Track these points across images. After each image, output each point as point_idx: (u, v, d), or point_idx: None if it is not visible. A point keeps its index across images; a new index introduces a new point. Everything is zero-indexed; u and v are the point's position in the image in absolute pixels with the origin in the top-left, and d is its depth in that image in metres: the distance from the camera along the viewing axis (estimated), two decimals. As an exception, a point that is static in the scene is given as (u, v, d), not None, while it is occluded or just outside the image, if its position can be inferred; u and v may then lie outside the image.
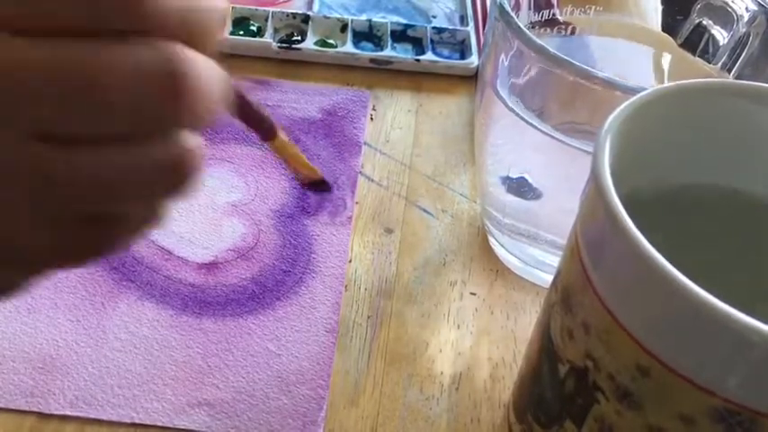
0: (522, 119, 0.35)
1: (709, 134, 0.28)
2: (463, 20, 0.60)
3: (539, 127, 0.35)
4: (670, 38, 0.40)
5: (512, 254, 0.42)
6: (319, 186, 0.39)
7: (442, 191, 0.47)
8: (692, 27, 0.39)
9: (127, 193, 0.18)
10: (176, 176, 0.18)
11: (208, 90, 0.18)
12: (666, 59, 0.40)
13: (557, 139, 0.34)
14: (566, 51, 0.32)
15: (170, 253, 0.41)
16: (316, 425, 0.34)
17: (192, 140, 0.18)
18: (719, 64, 0.38)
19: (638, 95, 0.26)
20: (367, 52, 0.55)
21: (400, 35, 0.57)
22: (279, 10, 0.57)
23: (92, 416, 0.34)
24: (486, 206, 0.42)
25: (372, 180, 0.47)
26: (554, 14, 0.40)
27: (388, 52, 0.55)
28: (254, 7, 0.57)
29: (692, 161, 0.28)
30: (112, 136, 0.17)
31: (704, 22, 0.39)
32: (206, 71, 0.18)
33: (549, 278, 0.29)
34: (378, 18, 0.58)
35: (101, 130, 0.17)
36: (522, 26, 0.33)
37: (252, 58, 0.54)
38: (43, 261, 0.19)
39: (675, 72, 0.40)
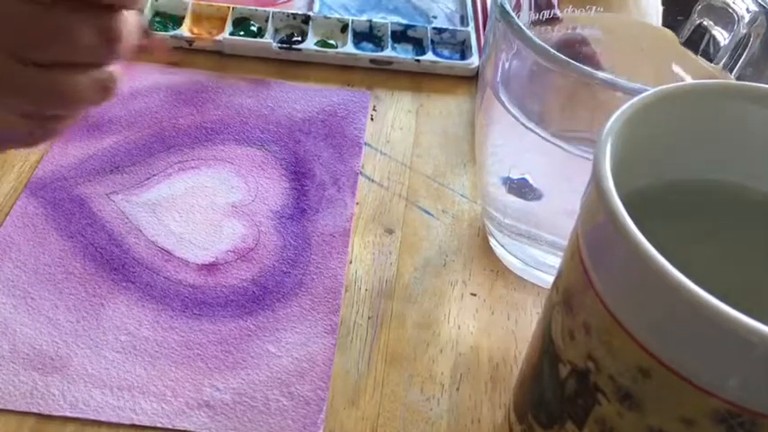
0: (521, 122, 0.35)
1: (711, 135, 0.27)
2: (463, 20, 0.60)
3: (538, 132, 0.34)
4: (672, 36, 0.40)
5: (512, 254, 0.42)
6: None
7: (443, 191, 0.47)
8: (692, 27, 0.39)
9: (74, 100, 0.28)
10: (104, 91, 0.29)
11: (128, 39, 0.28)
12: (668, 59, 0.40)
13: (555, 145, 0.34)
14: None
15: (170, 254, 0.41)
16: (316, 426, 0.34)
17: (113, 69, 0.29)
18: (720, 64, 0.38)
19: (639, 96, 0.25)
20: (367, 52, 0.55)
21: (401, 35, 0.57)
22: (279, 10, 0.57)
23: (92, 417, 0.34)
24: (487, 207, 0.42)
25: (373, 180, 0.47)
26: (554, 14, 0.40)
27: (388, 53, 0.55)
28: (254, 8, 0.57)
29: (694, 162, 0.28)
30: (68, 64, 0.27)
31: (705, 23, 0.39)
32: (128, 27, 0.27)
33: (550, 279, 0.29)
34: (378, 18, 0.58)
35: (61, 59, 0.27)
36: (523, 26, 0.33)
37: (252, 58, 0.54)
38: (18, 140, 0.30)
39: (677, 72, 0.40)
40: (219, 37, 0.54)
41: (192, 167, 0.46)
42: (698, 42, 0.39)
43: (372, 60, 0.54)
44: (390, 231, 0.44)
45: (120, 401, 0.35)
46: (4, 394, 0.34)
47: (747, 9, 0.37)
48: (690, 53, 0.39)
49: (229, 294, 0.39)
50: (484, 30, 0.57)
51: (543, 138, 0.34)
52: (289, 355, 0.37)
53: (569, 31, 0.41)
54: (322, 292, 0.40)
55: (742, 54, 0.37)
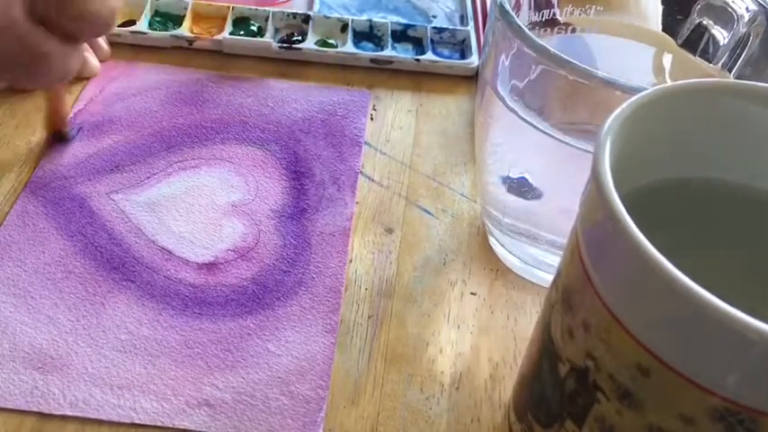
0: (523, 119, 0.35)
1: (710, 134, 0.28)
2: (463, 20, 0.60)
3: (539, 127, 0.35)
4: (670, 38, 0.40)
5: (512, 253, 0.42)
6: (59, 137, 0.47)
7: (443, 190, 0.47)
8: (692, 27, 0.39)
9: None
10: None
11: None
12: (667, 59, 0.40)
13: (557, 139, 0.34)
14: (566, 51, 0.31)
15: (170, 253, 0.41)
16: (315, 425, 0.34)
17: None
18: (720, 64, 0.38)
19: (639, 95, 0.26)
20: (367, 52, 0.55)
21: (400, 35, 0.57)
22: (279, 10, 0.57)
23: (92, 416, 0.34)
24: (487, 206, 0.42)
25: (373, 180, 0.47)
26: (554, 14, 0.40)
27: (388, 52, 0.55)
28: (254, 7, 0.57)
29: (693, 161, 0.28)
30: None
31: (704, 22, 0.39)
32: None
33: (550, 278, 0.29)
34: (378, 18, 0.58)
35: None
36: (522, 26, 0.33)
37: (252, 57, 0.54)
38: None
39: (676, 72, 0.40)
40: (219, 36, 0.54)
41: (192, 167, 0.46)
42: (697, 42, 0.39)
43: (372, 60, 0.55)
44: (390, 231, 0.44)
45: (120, 400, 0.35)
46: (4, 393, 0.34)
47: (747, 8, 0.37)
48: (688, 55, 0.39)
49: (229, 293, 0.40)
50: (484, 29, 0.57)
51: (543, 132, 0.34)
52: (288, 354, 0.37)
53: (568, 35, 0.41)
54: (322, 291, 0.40)
55: (741, 53, 0.37)
